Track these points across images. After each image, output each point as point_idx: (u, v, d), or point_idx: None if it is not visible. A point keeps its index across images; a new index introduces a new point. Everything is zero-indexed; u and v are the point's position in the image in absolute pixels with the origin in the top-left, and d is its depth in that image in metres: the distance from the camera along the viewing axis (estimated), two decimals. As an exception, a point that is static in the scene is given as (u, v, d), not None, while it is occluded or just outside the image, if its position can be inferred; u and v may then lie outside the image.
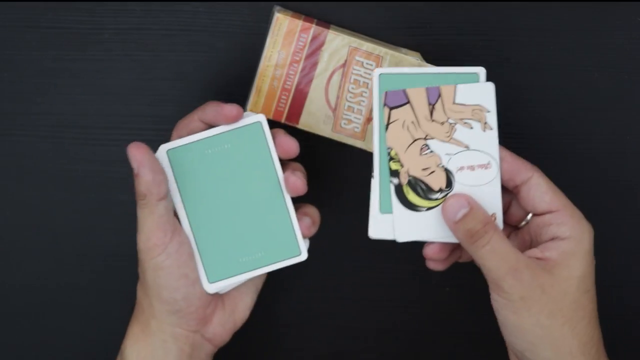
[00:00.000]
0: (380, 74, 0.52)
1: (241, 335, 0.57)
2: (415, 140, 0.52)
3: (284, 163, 0.53)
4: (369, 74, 0.56)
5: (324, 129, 0.57)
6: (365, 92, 0.57)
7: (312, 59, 0.56)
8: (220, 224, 0.52)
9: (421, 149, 0.52)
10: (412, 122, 0.51)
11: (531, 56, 0.59)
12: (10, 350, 0.64)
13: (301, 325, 0.63)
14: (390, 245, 0.61)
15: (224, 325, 0.54)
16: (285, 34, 0.56)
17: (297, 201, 0.54)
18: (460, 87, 0.51)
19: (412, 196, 0.52)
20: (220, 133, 0.52)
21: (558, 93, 0.60)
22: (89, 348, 0.64)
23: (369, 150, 0.58)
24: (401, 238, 0.52)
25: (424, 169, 0.52)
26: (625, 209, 0.62)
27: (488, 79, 0.59)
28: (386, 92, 0.51)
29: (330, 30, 0.56)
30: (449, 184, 0.52)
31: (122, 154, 0.61)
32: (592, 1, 0.58)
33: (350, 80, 0.57)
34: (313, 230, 0.54)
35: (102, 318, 0.64)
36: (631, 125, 0.60)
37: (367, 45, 0.56)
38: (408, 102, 0.51)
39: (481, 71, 0.52)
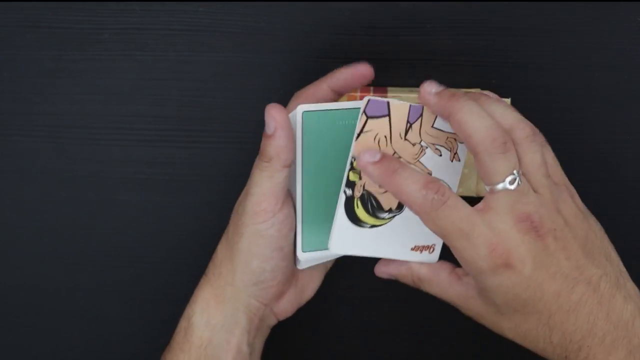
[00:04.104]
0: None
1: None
2: None
3: None
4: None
5: None
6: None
7: None
8: (327, 196, 0.50)
9: None
10: (385, 136, 0.49)
11: (531, 56, 0.59)
12: (10, 350, 0.64)
13: (300, 325, 0.63)
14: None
15: (292, 301, 0.54)
16: None
17: None
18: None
19: (360, 211, 0.50)
20: (352, 108, 0.50)
21: (558, 93, 0.60)
22: (88, 348, 0.64)
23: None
24: (335, 249, 0.50)
25: (380, 186, 0.49)
26: (625, 209, 0.62)
27: (488, 78, 0.60)
28: (369, 99, 0.48)
29: (389, 95, 0.55)
30: (400, 206, 0.50)
31: (122, 154, 0.61)
32: (592, 1, 0.58)
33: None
34: None
35: (102, 318, 0.64)
36: (631, 125, 0.60)
37: None
38: (388, 115, 0.48)
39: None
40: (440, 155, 0.49)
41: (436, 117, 0.49)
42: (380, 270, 0.53)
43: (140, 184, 0.62)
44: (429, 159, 0.49)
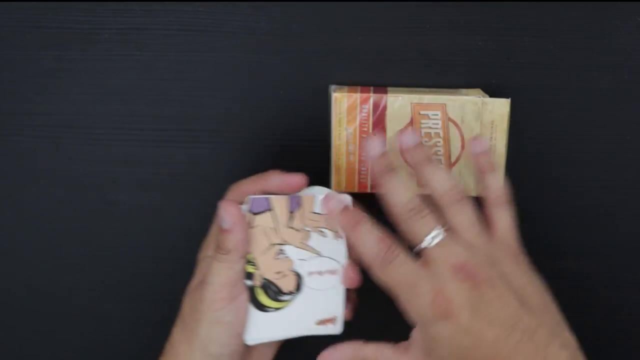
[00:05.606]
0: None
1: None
2: (273, 245, 0.53)
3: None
4: (437, 124, 0.56)
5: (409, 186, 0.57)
6: (439, 142, 0.57)
7: (380, 125, 0.56)
8: None
9: (276, 253, 0.53)
10: (271, 228, 0.53)
11: (531, 56, 0.59)
12: (10, 350, 0.64)
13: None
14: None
15: None
16: (347, 111, 0.56)
17: None
18: (319, 197, 0.54)
19: (262, 297, 0.54)
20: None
21: (558, 93, 0.60)
22: (88, 348, 0.65)
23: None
24: (250, 340, 0.53)
25: (277, 272, 0.54)
26: (625, 209, 0.62)
27: (488, 78, 0.60)
28: (252, 198, 0.52)
29: (389, 95, 0.56)
30: (299, 287, 0.54)
31: (122, 154, 0.61)
32: (592, 1, 0.58)
33: (421, 134, 0.57)
34: (351, 314, 0.57)
35: (102, 318, 0.64)
36: (631, 125, 0.60)
37: (428, 98, 0.56)
38: (270, 209, 0.53)
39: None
40: (325, 237, 0.54)
41: (314, 202, 0.53)
42: None
43: (140, 184, 0.62)
44: (315, 241, 0.54)
